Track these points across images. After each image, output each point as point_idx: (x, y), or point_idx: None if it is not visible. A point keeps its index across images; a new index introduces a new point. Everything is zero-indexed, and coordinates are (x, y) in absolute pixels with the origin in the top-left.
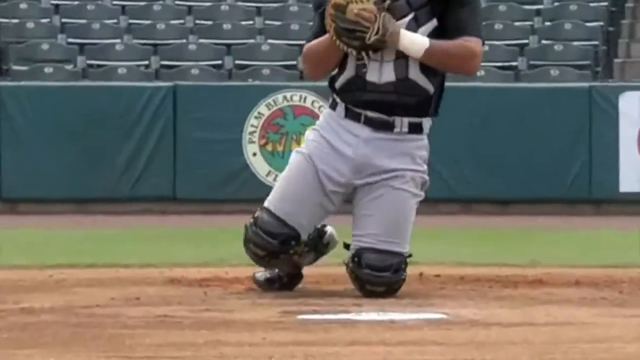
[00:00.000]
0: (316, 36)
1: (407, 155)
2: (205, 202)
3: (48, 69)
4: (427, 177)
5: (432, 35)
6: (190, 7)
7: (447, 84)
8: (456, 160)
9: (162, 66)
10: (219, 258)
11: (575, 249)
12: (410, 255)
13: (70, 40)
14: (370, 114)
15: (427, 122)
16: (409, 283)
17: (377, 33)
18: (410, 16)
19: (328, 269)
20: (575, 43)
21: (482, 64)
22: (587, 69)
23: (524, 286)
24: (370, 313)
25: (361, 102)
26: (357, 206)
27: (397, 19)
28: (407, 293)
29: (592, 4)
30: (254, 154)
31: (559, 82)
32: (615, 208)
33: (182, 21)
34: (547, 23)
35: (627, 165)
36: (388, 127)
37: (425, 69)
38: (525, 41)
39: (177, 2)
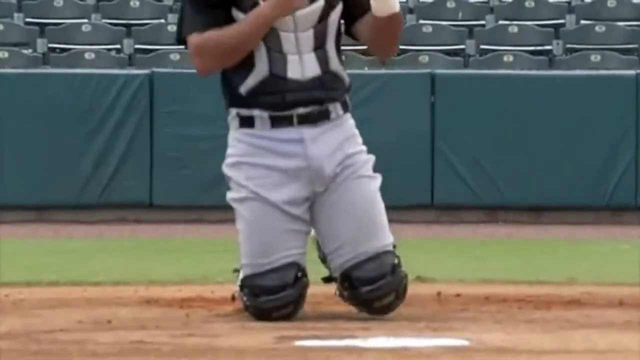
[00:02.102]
0: (212, 26)
1: (351, 137)
2: (187, 209)
3: (2, 54)
4: (373, 156)
5: (340, 16)
6: None
7: (469, 71)
8: (480, 161)
9: (137, 50)
10: (202, 275)
11: (618, 265)
12: (395, 246)
13: (28, 20)
14: (302, 110)
15: (348, 98)
16: (425, 304)
17: None
18: (322, 0)
19: (328, 288)
20: (620, 23)
21: (511, 48)
22: (634, 53)
23: (559, 307)
24: (380, 338)
25: (283, 104)
26: (321, 217)
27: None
28: (423, 315)
29: None
30: None
31: (601, 69)
32: None
33: None
34: (587, 0)
35: None
36: (324, 116)
37: (339, 57)
38: (561, 21)
39: None
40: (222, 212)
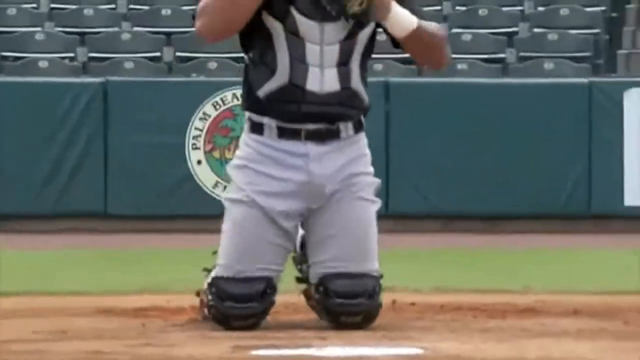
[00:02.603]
0: None
1: (359, 157)
2: (142, 218)
3: None
4: (378, 180)
5: (371, 36)
6: None
7: (423, 79)
8: (435, 170)
9: (91, 59)
10: (158, 284)
11: (573, 273)
12: (381, 276)
13: None
14: (310, 126)
15: (363, 118)
16: (381, 313)
17: (360, 4)
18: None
19: (288, 297)
20: (573, 31)
21: (465, 56)
22: (587, 61)
23: (514, 316)
24: (336, 347)
25: (298, 115)
26: (313, 230)
27: None
28: (379, 324)
29: None
30: (199, 162)
31: (554, 77)
32: (619, 225)
33: (113, 6)
34: (540, 8)
35: (633, 175)
36: (334, 135)
37: (362, 76)
38: (515, 29)
39: None
40: (178, 221)
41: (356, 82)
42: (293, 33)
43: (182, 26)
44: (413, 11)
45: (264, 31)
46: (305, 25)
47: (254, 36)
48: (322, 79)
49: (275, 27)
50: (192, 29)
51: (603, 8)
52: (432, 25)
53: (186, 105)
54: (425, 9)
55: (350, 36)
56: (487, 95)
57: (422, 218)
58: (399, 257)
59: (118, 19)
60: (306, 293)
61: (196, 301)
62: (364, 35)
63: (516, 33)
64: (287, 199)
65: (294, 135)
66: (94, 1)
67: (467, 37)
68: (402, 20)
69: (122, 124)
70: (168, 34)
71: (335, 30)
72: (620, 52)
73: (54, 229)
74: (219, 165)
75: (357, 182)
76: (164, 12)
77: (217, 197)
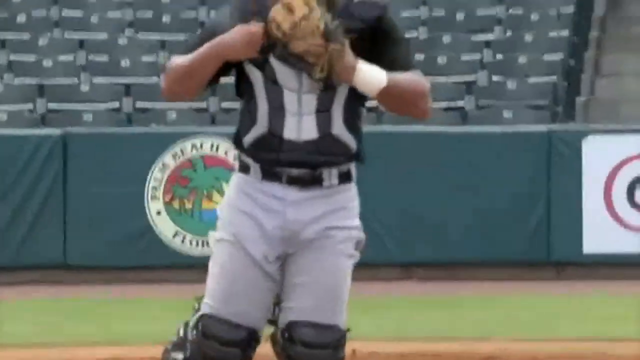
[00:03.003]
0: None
1: (341, 209)
2: (102, 269)
3: None
4: (362, 235)
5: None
6: (82, 40)
7: (382, 128)
8: (395, 218)
9: (50, 110)
10: (118, 335)
11: (533, 320)
12: (349, 330)
13: None
14: (293, 171)
15: (354, 168)
16: None
17: (322, 70)
18: None
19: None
20: (532, 79)
21: None
22: (546, 109)
23: None
24: None
25: (278, 162)
26: (287, 274)
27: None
28: None
29: (550, 34)
30: (158, 213)
31: (513, 124)
32: (579, 272)
33: (72, 57)
34: (499, 56)
35: (591, 223)
36: (316, 182)
37: (348, 122)
38: (473, 77)
39: (66, 35)
40: (138, 272)
41: (339, 128)
42: (272, 81)
43: (141, 76)
44: (395, 59)
45: (247, 79)
46: (284, 73)
47: (242, 84)
48: (300, 127)
49: (256, 76)
50: (152, 78)
51: (561, 56)
52: (408, 78)
53: (145, 155)
54: None
55: (330, 86)
56: (446, 143)
57: (382, 266)
58: (358, 305)
59: (77, 70)
60: (273, 337)
61: (157, 352)
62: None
63: (475, 81)
64: (266, 242)
65: (276, 178)
66: (53, 52)
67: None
68: (370, 79)
69: (81, 175)
70: (127, 85)
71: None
72: (578, 99)
73: (13, 280)
74: (178, 215)
75: (336, 235)
76: (123, 63)
77: (176, 248)
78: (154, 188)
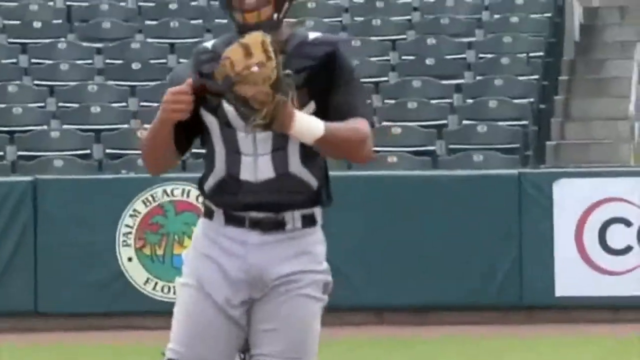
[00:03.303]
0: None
1: (305, 254)
2: (73, 316)
3: None
4: (330, 278)
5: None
6: (51, 87)
7: (354, 172)
8: (365, 261)
9: (20, 157)
10: None
11: None
12: None
13: None
14: (255, 214)
15: (319, 211)
16: None
17: (263, 118)
18: None
19: None
20: (502, 123)
21: (395, 148)
22: (516, 152)
23: None
24: None
25: (238, 205)
26: (254, 320)
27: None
28: None
29: (520, 78)
30: (130, 259)
31: (484, 168)
32: (551, 315)
33: (42, 104)
34: (469, 100)
35: (563, 265)
36: (279, 226)
37: (305, 160)
38: (444, 122)
39: (36, 82)
40: (110, 318)
41: (296, 166)
42: (226, 124)
43: (112, 122)
44: (342, 103)
45: (205, 127)
46: (236, 115)
47: (201, 131)
48: (256, 168)
49: (211, 121)
50: (122, 125)
51: (531, 100)
52: (348, 127)
53: (116, 202)
54: None
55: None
56: (417, 188)
57: (353, 310)
58: (329, 349)
59: (47, 116)
60: None
61: None
62: None
63: (445, 125)
64: (229, 286)
65: (239, 222)
66: (23, 99)
67: (396, 130)
68: (307, 130)
69: (52, 222)
70: (97, 131)
71: None
72: (549, 143)
73: None
74: (149, 261)
75: (301, 279)
76: (93, 109)
77: (148, 294)
78: (125, 235)
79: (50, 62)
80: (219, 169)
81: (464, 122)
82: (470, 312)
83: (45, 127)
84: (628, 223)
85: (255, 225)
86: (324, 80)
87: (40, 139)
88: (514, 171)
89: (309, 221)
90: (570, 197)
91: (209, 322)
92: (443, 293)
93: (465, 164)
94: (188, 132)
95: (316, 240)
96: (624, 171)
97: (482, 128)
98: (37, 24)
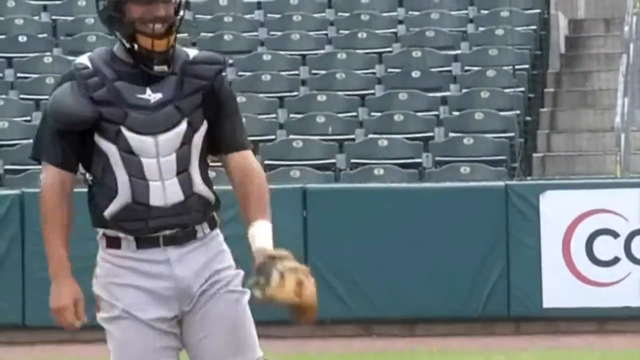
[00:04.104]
0: (67, 159)
1: (219, 252)
2: (61, 330)
3: None
4: (241, 272)
5: (205, 136)
6: (37, 101)
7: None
8: (353, 274)
9: (7, 171)
10: None
11: None
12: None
13: None
14: (167, 232)
15: (217, 213)
16: None
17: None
18: (185, 123)
19: None
20: (488, 135)
21: (381, 161)
22: (502, 165)
23: None
24: None
25: (147, 230)
26: (188, 333)
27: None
28: None
29: (506, 90)
30: None
31: (470, 180)
32: (538, 326)
33: (28, 118)
34: (455, 113)
35: (551, 277)
36: (191, 237)
37: (204, 176)
38: (430, 134)
39: (22, 96)
40: (95, 332)
41: (199, 185)
42: (127, 152)
43: None
44: (234, 136)
45: (101, 153)
46: (138, 141)
47: (92, 157)
48: (165, 192)
49: (110, 148)
50: None
51: (517, 112)
52: (260, 190)
53: None
54: (341, 115)
55: (185, 143)
56: (404, 200)
57: (341, 323)
58: None
59: (33, 131)
60: None
61: None
62: (198, 138)
63: (432, 138)
64: (158, 306)
65: (152, 243)
66: (10, 113)
67: (383, 143)
68: (268, 237)
69: (39, 235)
70: None
71: (168, 142)
72: (535, 155)
73: None
74: None
75: (222, 278)
76: None
77: None
78: None
79: (35, 76)
80: (123, 195)
81: (450, 134)
82: (457, 324)
83: (31, 140)
84: (615, 234)
85: (170, 241)
86: (214, 101)
87: (26, 152)
88: (501, 183)
89: (213, 224)
90: (557, 208)
91: (145, 345)
92: (431, 305)
93: (451, 176)
94: (77, 155)
95: (221, 240)
96: (611, 183)
97: (468, 140)
98: (22, 38)
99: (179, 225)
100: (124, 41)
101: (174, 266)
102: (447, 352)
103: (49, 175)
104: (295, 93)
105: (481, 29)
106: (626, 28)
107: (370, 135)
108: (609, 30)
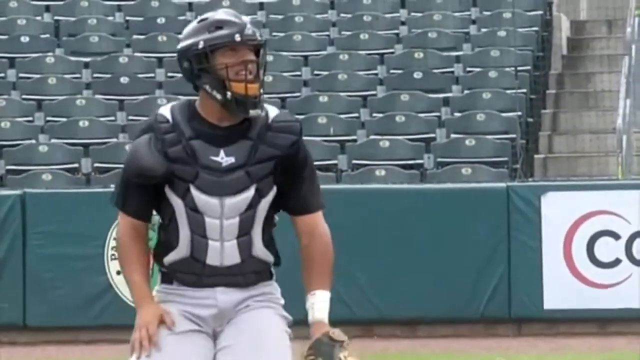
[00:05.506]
0: (140, 208)
1: (263, 294)
2: (62, 330)
3: None
4: (289, 316)
5: (274, 200)
6: (39, 101)
7: (342, 186)
8: (355, 276)
9: (8, 171)
10: None
11: None
12: None
13: None
14: (219, 288)
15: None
16: None
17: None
18: (253, 189)
19: None
20: (490, 137)
21: (383, 162)
22: (504, 166)
23: None
24: None
25: (202, 283)
26: (221, 338)
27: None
28: None
29: (508, 91)
30: (118, 272)
31: (472, 182)
32: (539, 328)
33: (30, 118)
34: (457, 114)
35: (552, 278)
36: (243, 287)
37: (266, 240)
38: (432, 135)
39: (24, 97)
40: (97, 332)
41: (258, 249)
42: (193, 209)
43: (99, 137)
44: (305, 199)
45: (169, 204)
46: (204, 201)
47: (163, 205)
48: (222, 253)
49: (177, 203)
50: (110, 139)
51: (519, 113)
52: (327, 269)
53: (104, 215)
54: (343, 116)
55: (251, 207)
56: (405, 201)
57: (341, 324)
58: None
59: (35, 131)
60: None
61: None
62: (265, 203)
63: (433, 139)
64: (191, 322)
65: (207, 285)
66: (11, 114)
67: (385, 144)
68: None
69: (40, 236)
70: (86, 145)
71: (235, 204)
72: (537, 156)
73: None
74: None
75: (262, 299)
76: (81, 123)
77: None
78: (114, 248)
79: (38, 76)
80: (183, 249)
81: (452, 135)
82: (459, 325)
83: (33, 141)
84: (616, 236)
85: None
86: (287, 169)
87: (28, 153)
88: (502, 184)
89: (267, 277)
90: (558, 210)
91: (191, 341)
92: (432, 306)
93: (453, 178)
94: (150, 204)
95: (271, 289)
96: (612, 184)
97: (470, 141)
98: (24, 39)
99: (232, 284)
100: (215, 92)
101: (219, 297)
102: (448, 353)
103: (123, 222)
104: (297, 94)
105: (483, 30)
106: (628, 29)
107: (372, 136)
108: (611, 32)
